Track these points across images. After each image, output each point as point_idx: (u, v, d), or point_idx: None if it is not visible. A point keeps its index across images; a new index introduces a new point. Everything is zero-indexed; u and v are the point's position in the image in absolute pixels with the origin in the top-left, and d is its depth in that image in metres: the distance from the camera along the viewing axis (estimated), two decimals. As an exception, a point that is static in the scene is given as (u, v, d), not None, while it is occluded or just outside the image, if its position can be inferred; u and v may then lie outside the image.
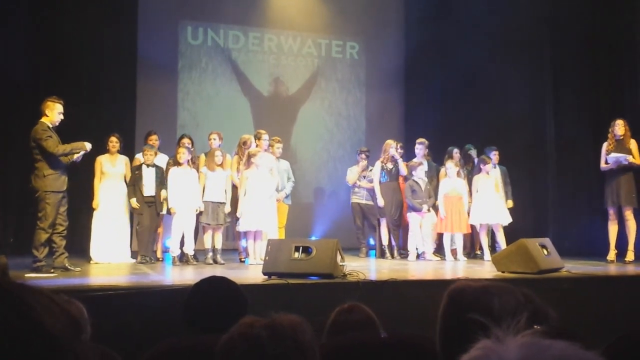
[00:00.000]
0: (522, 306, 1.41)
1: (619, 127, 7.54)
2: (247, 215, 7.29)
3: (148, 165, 7.70)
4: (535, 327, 1.67)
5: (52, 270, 6.18)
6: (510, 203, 8.56)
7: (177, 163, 7.46)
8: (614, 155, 7.49)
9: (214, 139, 7.98)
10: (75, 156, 6.37)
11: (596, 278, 6.26)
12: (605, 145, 7.65)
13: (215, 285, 2.61)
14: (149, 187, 7.66)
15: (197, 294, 2.56)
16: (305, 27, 11.01)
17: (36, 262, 6.14)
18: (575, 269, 6.50)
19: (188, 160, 7.45)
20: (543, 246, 6.41)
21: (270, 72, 10.96)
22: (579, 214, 9.18)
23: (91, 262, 7.40)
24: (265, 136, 8.05)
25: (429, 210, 8.18)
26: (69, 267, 6.36)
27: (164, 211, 7.73)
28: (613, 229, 7.64)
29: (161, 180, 7.67)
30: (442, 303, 1.59)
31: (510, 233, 7.96)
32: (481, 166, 8.24)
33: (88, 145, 6.41)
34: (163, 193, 7.62)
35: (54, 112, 6.27)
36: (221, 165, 7.64)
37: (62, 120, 6.31)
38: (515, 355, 0.71)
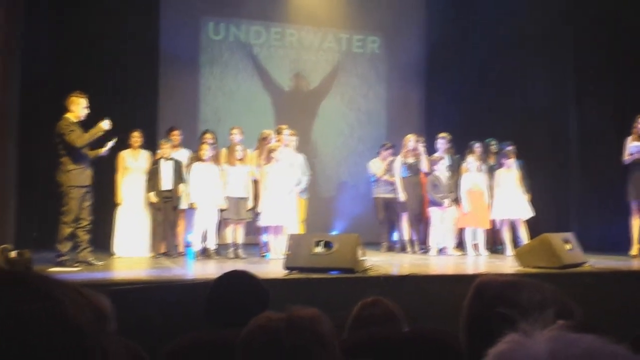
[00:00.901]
0: (549, 301, 1.40)
1: None
2: (268, 210, 7.32)
3: (165, 159, 7.73)
4: (559, 322, 1.65)
5: (75, 265, 6.25)
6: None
7: (200, 159, 7.51)
8: (637, 143, 7.39)
9: (235, 134, 8.01)
10: (103, 151, 6.42)
11: (619, 273, 6.20)
12: (629, 139, 7.54)
13: (236, 280, 2.62)
14: (166, 181, 7.65)
15: (219, 288, 2.57)
16: (326, 21, 10.98)
17: (60, 257, 6.22)
18: (598, 263, 6.43)
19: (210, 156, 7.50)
20: (566, 241, 6.35)
21: (291, 67, 10.96)
22: (601, 208, 9.05)
23: (114, 256, 7.48)
24: (286, 131, 8.05)
25: (450, 205, 8.13)
26: (92, 261, 6.42)
27: (182, 206, 7.77)
28: (636, 224, 7.53)
29: (179, 174, 7.69)
30: (467, 296, 1.58)
31: (532, 228, 7.88)
32: (503, 161, 8.17)
33: (105, 125, 6.35)
34: (181, 187, 7.66)
35: (79, 107, 6.34)
36: (242, 160, 7.66)
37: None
38: (544, 349, 0.70)
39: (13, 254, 5.57)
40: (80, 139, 6.20)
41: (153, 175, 7.63)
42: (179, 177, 7.68)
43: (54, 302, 0.69)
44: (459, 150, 8.89)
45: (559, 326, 0.76)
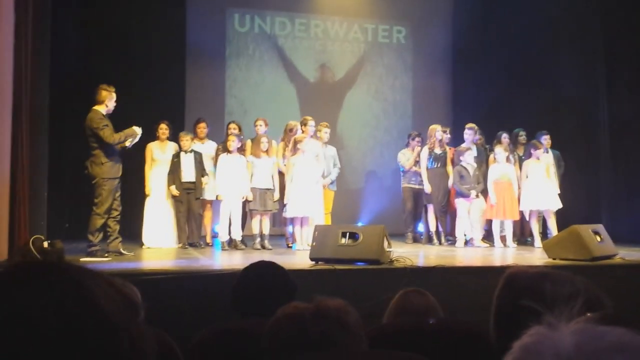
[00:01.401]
0: (579, 293, 1.38)
1: None
2: (294, 201, 7.34)
3: (186, 152, 7.77)
4: (588, 314, 1.64)
5: (106, 255, 6.36)
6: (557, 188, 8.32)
7: (227, 150, 7.55)
8: None
9: (260, 125, 8.03)
10: (128, 142, 6.52)
11: (652, 266, 6.08)
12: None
13: (263, 270, 2.64)
14: (187, 173, 7.70)
15: (245, 278, 2.59)
16: (351, 12, 10.93)
17: (91, 247, 6.33)
18: (630, 255, 6.33)
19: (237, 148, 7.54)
20: (596, 233, 6.26)
21: (317, 58, 10.94)
22: (633, 199, 8.90)
23: (143, 246, 7.58)
24: (311, 122, 8.04)
25: (477, 196, 8.05)
26: (122, 251, 6.54)
27: (209, 197, 7.83)
28: (670, 215, 7.39)
29: (201, 165, 7.75)
30: (497, 287, 1.58)
31: (562, 219, 7.77)
32: (532, 151, 8.06)
33: (138, 130, 6.54)
34: (204, 179, 7.71)
35: (110, 101, 6.45)
36: (267, 152, 7.69)
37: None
38: (570, 342, 0.69)
39: (45, 244, 5.68)
40: (112, 136, 6.32)
41: (174, 168, 7.68)
42: (200, 169, 7.73)
43: (86, 292, 0.70)
44: (488, 141, 8.80)
45: (586, 319, 0.75)
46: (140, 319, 0.76)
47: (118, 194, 6.55)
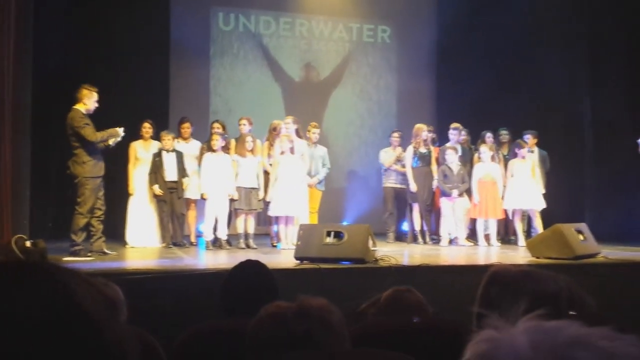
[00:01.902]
0: (560, 292, 1.39)
1: None
2: (278, 200, 7.33)
3: (168, 151, 7.73)
4: (571, 313, 1.65)
5: (89, 254, 6.31)
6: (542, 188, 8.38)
7: (211, 149, 7.52)
8: None
9: (244, 125, 8.00)
10: (111, 141, 6.47)
11: (634, 264, 6.15)
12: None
13: (252, 270, 2.63)
14: (170, 172, 7.66)
15: (234, 277, 2.58)
16: (336, 11, 10.93)
17: (74, 246, 6.29)
18: (613, 254, 6.39)
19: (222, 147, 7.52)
20: (579, 231, 6.31)
21: (302, 57, 10.93)
22: (616, 198, 8.99)
23: (127, 246, 7.53)
24: (288, 120, 8.05)
25: (461, 195, 8.08)
26: (106, 251, 6.50)
27: (194, 196, 7.81)
28: (651, 214, 7.48)
29: (182, 165, 7.71)
30: (480, 285, 1.58)
31: (546, 218, 7.84)
32: (516, 150, 8.11)
33: (121, 131, 6.50)
34: (185, 180, 7.68)
35: (90, 100, 6.40)
36: (252, 151, 7.67)
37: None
38: (525, 341, 0.68)
39: (28, 243, 5.63)
40: (94, 134, 6.27)
41: (155, 168, 7.63)
42: (181, 169, 7.69)
43: (68, 291, 0.69)
44: (473, 141, 8.85)
45: (533, 316, 0.73)
46: (121, 318, 0.76)
47: (101, 193, 6.50)
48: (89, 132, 6.25)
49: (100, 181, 6.45)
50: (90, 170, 6.33)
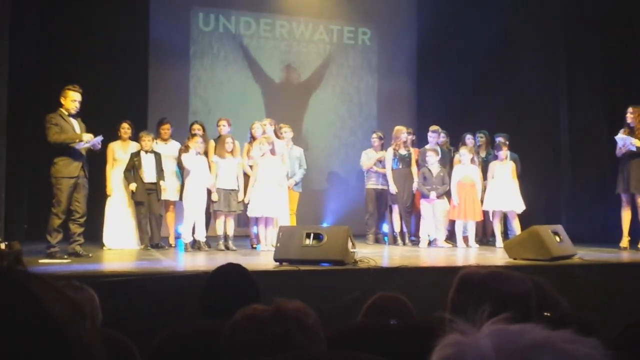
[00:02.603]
0: (532, 293, 1.41)
1: (630, 115, 7.49)
2: (257, 201, 7.32)
3: (147, 152, 7.66)
4: (545, 314, 1.67)
5: (65, 257, 6.23)
6: None
7: (189, 150, 7.48)
8: (620, 136, 7.44)
9: (223, 126, 7.97)
10: (84, 142, 6.35)
11: (609, 265, 6.24)
12: (621, 132, 7.57)
13: (231, 273, 2.63)
14: (149, 173, 7.58)
15: (215, 282, 2.58)
16: (317, 13, 10.94)
17: (50, 248, 6.21)
18: (588, 256, 6.47)
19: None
20: (555, 233, 6.38)
21: (282, 58, 10.92)
22: (592, 200, 9.11)
23: (104, 248, 7.46)
24: (265, 122, 8.07)
25: (439, 197, 8.12)
26: (80, 253, 6.39)
27: (173, 197, 7.76)
28: (626, 216, 7.58)
29: (160, 167, 7.66)
30: (451, 288, 1.59)
31: (523, 220, 7.92)
32: (497, 152, 8.18)
33: (85, 137, 6.35)
34: (162, 183, 7.61)
35: (67, 100, 6.36)
36: (232, 152, 7.64)
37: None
38: (489, 344, 0.69)
39: (3, 245, 5.54)
40: (55, 135, 6.24)
41: (132, 167, 7.53)
42: (159, 171, 7.64)
43: (34, 296, 0.69)
44: (452, 143, 8.91)
45: (496, 319, 0.75)
46: (96, 323, 0.75)
47: (79, 195, 6.39)
48: (51, 133, 6.24)
49: (74, 182, 6.34)
50: (60, 170, 6.27)
